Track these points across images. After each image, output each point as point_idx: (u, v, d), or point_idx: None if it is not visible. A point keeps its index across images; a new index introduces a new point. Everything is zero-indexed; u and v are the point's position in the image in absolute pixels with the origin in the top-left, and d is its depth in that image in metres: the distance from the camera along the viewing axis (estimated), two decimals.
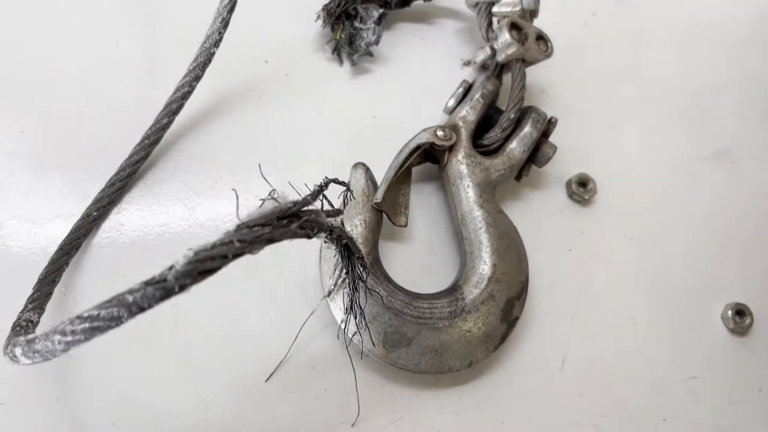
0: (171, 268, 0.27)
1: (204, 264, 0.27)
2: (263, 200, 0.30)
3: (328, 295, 0.42)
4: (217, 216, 0.46)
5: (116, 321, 0.27)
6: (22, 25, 0.51)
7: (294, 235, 0.30)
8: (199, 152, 0.48)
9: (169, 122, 0.45)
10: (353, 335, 0.41)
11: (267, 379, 0.43)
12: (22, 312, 0.38)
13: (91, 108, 0.49)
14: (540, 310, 0.48)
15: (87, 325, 0.27)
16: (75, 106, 0.49)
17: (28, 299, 0.39)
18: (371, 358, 0.42)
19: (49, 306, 0.41)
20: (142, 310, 0.26)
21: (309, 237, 0.31)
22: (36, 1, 0.52)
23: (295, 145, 0.50)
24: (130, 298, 0.26)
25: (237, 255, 0.28)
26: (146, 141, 0.45)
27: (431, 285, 0.47)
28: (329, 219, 0.33)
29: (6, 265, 0.43)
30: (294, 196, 0.30)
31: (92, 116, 0.48)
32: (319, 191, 0.32)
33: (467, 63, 0.53)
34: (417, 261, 0.48)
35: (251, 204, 0.44)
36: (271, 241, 0.29)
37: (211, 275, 0.27)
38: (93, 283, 0.44)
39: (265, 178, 0.31)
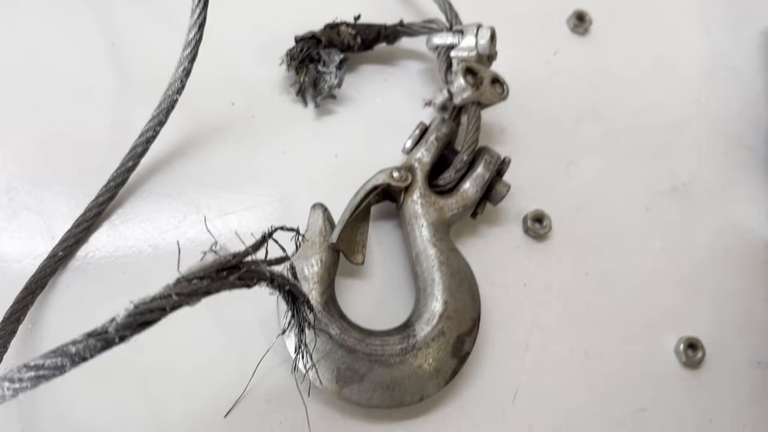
0: (112, 320, 0.29)
1: (143, 316, 0.29)
2: (204, 253, 0.32)
3: (283, 332, 0.44)
4: (181, 254, 0.48)
5: (60, 370, 0.28)
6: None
7: (232, 287, 0.32)
8: (165, 192, 0.50)
9: (135, 164, 0.47)
10: (306, 372, 0.43)
11: (226, 415, 0.44)
12: None
13: (60, 148, 0.51)
14: (493, 344, 0.50)
15: (33, 373, 0.29)
16: (44, 146, 0.51)
17: None
18: (325, 394, 0.44)
19: (14, 343, 0.43)
20: (84, 360, 0.28)
21: (249, 287, 0.33)
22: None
23: (259, 184, 0.52)
24: (73, 349, 0.28)
25: (174, 308, 0.30)
26: (112, 183, 0.47)
27: (387, 321, 0.48)
28: (275, 266, 0.35)
29: None
30: (239, 246, 0.32)
31: (61, 157, 0.50)
32: (262, 241, 0.34)
33: (428, 103, 0.55)
34: (373, 298, 0.50)
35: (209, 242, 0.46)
36: (208, 293, 0.31)
37: (151, 326, 0.29)
38: (58, 320, 0.45)
39: (209, 231, 0.33)
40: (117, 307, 0.46)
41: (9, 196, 0.49)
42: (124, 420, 0.44)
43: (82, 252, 0.47)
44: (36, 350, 0.44)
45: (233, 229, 0.49)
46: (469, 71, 0.50)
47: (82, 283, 0.46)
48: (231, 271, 0.32)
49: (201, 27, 0.43)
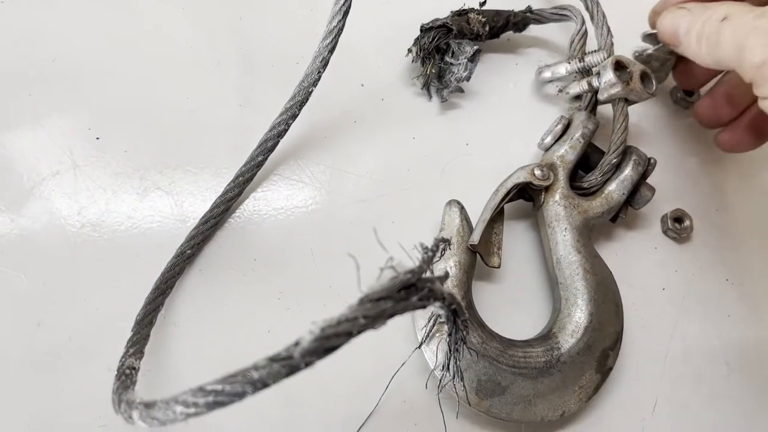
0: (297, 344, 0.26)
1: (330, 341, 0.27)
2: (381, 269, 0.29)
3: (420, 346, 0.42)
4: (311, 254, 0.46)
5: (239, 396, 0.26)
6: (130, 55, 0.52)
7: (414, 308, 0.29)
8: (296, 177, 0.49)
9: (264, 159, 0.45)
10: (446, 383, 0.40)
11: (358, 430, 0.42)
12: (124, 357, 0.38)
13: (190, 125, 0.49)
14: (632, 350, 0.47)
15: (211, 398, 0.27)
16: (174, 123, 0.49)
17: (128, 342, 0.39)
18: (463, 405, 0.42)
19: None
20: (266, 386, 0.26)
21: (425, 307, 0.30)
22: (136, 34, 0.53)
23: (390, 171, 0.50)
24: (256, 375, 0.26)
25: (361, 332, 0.27)
26: (240, 178, 0.45)
27: (522, 327, 0.46)
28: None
29: (111, 295, 0.44)
30: (394, 251, 0.30)
31: (191, 134, 0.49)
32: (432, 257, 0.32)
33: (561, 90, 0.52)
34: (505, 303, 0.47)
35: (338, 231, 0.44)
36: (392, 315, 0.28)
37: (335, 352, 0.27)
38: (185, 324, 0.43)
39: (381, 244, 0.30)
40: (250, 304, 0.44)
41: (140, 175, 0.47)
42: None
43: (208, 250, 0.45)
44: (168, 357, 0.42)
45: (366, 217, 0.48)
46: (618, 65, 0.46)
47: (208, 283, 0.45)
48: (409, 291, 0.29)
49: (345, 15, 0.40)
